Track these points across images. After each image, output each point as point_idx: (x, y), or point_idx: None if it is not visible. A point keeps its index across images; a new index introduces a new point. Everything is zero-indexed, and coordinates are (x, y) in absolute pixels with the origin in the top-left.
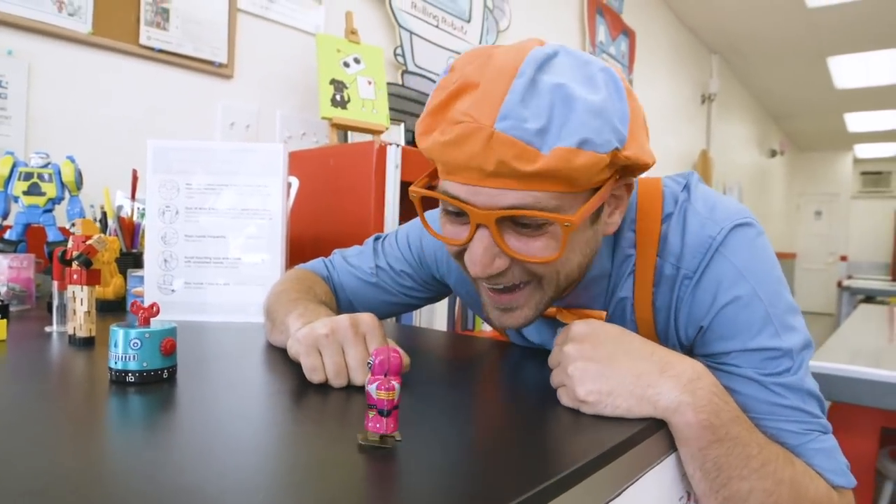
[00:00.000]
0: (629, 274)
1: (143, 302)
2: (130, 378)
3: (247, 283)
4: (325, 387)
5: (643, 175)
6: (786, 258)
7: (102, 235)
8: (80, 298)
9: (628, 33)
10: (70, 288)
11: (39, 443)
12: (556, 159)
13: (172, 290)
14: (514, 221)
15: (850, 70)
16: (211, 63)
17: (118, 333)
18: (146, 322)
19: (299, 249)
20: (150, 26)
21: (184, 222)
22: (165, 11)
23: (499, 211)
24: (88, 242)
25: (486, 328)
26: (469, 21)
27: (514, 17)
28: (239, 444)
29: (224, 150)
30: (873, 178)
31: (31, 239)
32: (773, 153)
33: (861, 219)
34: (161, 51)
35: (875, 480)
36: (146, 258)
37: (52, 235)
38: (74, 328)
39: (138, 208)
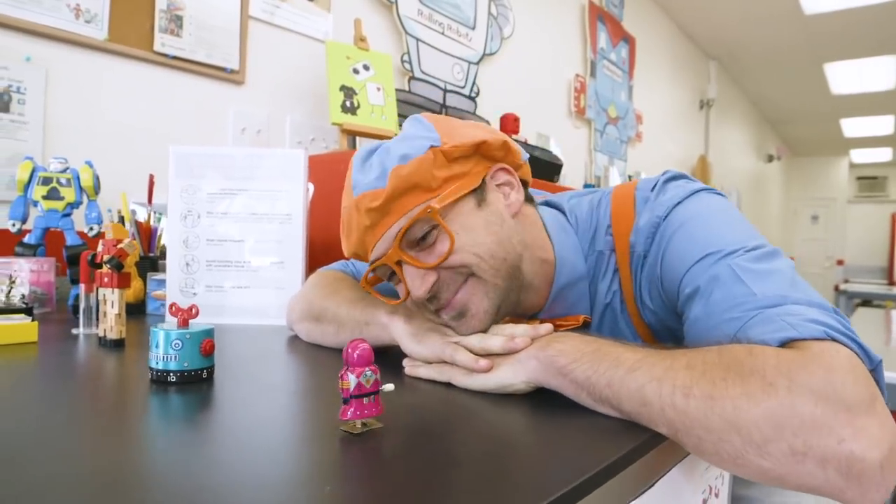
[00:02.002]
0: (613, 273)
1: (164, 305)
2: (172, 378)
3: (266, 286)
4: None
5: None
6: None
7: (132, 240)
8: (110, 301)
9: (628, 40)
10: (101, 291)
11: (96, 441)
12: (392, 180)
13: (194, 294)
14: (413, 244)
15: (846, 76)
16: (223, 69)
17: (159, 334)
18: (185, 323)
19: (311, 253)
20: (165, 33)
21: (205, 226)
22: (179, 19)
23: (394, 244)
24: (119, 246)
25: None
26: (474, 28)
27: (517, 24)
28: (286, 442)
29: (245, 156)
30: (869, 182)
31: (49, 243)
32: (770, 158)
33: (857, 223)
34: (175, 57)
35: None
36: (168, 262)
37: (70, 239)
38: (105, 330)
39: (154, 213)
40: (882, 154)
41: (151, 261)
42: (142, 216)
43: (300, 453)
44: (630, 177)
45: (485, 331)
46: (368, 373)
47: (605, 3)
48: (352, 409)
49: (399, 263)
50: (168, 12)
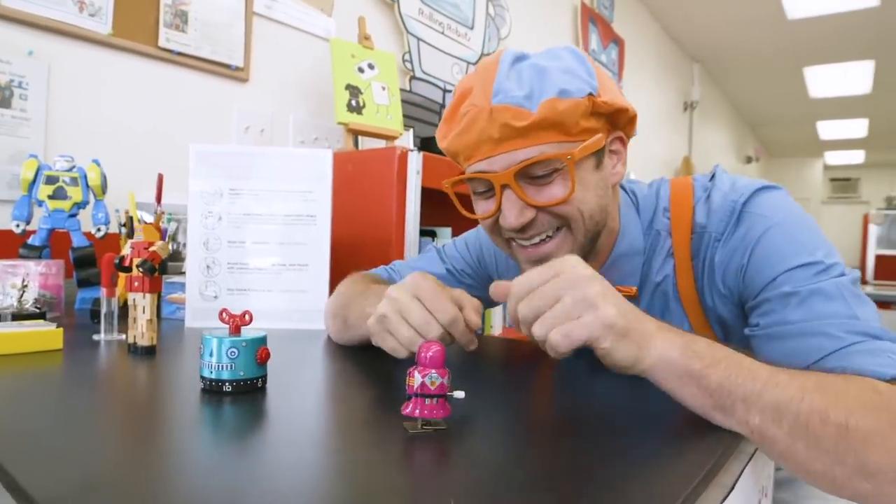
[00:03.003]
0: (667, 256)
1: (181, 309)
2: (227, 388)
3: (291, 289)
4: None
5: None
6: None
7: (164, 242)
8: (141, 306)
9: (618, 42)
10: (131, 295)
11: (166, 460)
12: (544, 110)
13: (215, 297)
14: (528, 175)
15: (825, 80)
16: (228, 66)
17: (212, 342)
18: (237, 330)
19: None
20: (169, 28)
21: (226, 228)
22: (184, 14)
23: (513, 168)
24: (152, 249)
25: (496, 331)
26: (472, 28)
27: (513, 25)
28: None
29: (269, 156)
30: (842, 184)
31: (53, 244)
32: (749, 159)
33: (831, 224)
34: (179, 53)
35: None
36: (188, 264)
37: (77, 241)
38: (135, 336)
39: (163, 213)
40: (855, 156)
41: (162, 262)
42: (149, 217)
43: (370, 457)
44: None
45: None
46: (435, 375)
47: (597, 5)
48: (412, 406)
49: (503, 186)
50: (173, 7)
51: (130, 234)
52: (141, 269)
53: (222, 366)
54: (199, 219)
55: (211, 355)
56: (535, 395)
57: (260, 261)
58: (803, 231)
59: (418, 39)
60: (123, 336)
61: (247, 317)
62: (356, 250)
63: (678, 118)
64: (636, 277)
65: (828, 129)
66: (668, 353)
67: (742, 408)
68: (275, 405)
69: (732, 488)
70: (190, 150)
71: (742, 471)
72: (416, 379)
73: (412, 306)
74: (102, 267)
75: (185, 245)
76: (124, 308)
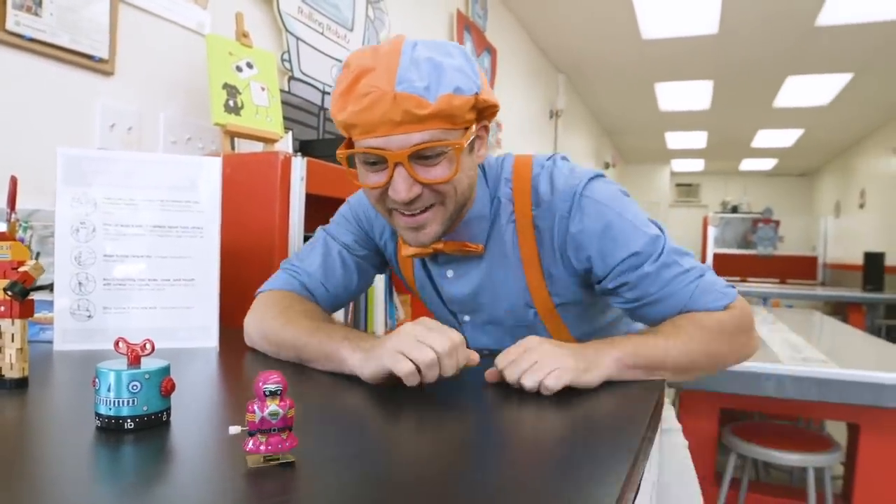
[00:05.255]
0: (509, 221)
1: (46, 330)
2: (129, 424)
3: (176, 306)
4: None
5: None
6: None
7: (37, 262)
8: (10, 334)
9: (491, 50)
10: None
11: None
12: (441, 103)
13: (89, 317)
14: (419, 156)
15: (672, 95)
16: (90, 57)
17: (110, 376)
18: (137, 361)
19: None
20: (20, 10)
21: (101, 241)
22: None
23: (409, 149)
24: (22, 269)
25: (379, 327)
26: (352, 30)
27: (392, 29)
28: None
29: (151, 162)
30: (686, 189)
31: None
32: (607, 165)
33: (676, 225)
34: (32, 39)
35: (717, 454)
36: (56, 281)
37: None
38: (2, 368)
39: (19, 222)
40: (696, 164)
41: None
42: (0, 225)
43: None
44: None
45: (425, 245)
46: (275, 407)
47: (472, 13)
48: (254, 442)
49: (397, 164)
50: None
51: None
52: (10, 293)
53: (122, 401)
54: (69, 231)
55: (109, 390)
56: (397, 424)
57: (140, 276)
58: (631, 212)
59: (297, 39)
60: None
61: (147, 346)
62: (237, 256)
63: (545, 126)
64: (483, 238)
65: (674, 140)
66: (615, 363)
67: (666, 364)
68: (185, 441)
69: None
70: (57, 155)
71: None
72: (255, 413)
73: (428, 336)
74: None
75: (38, 255)
76: None
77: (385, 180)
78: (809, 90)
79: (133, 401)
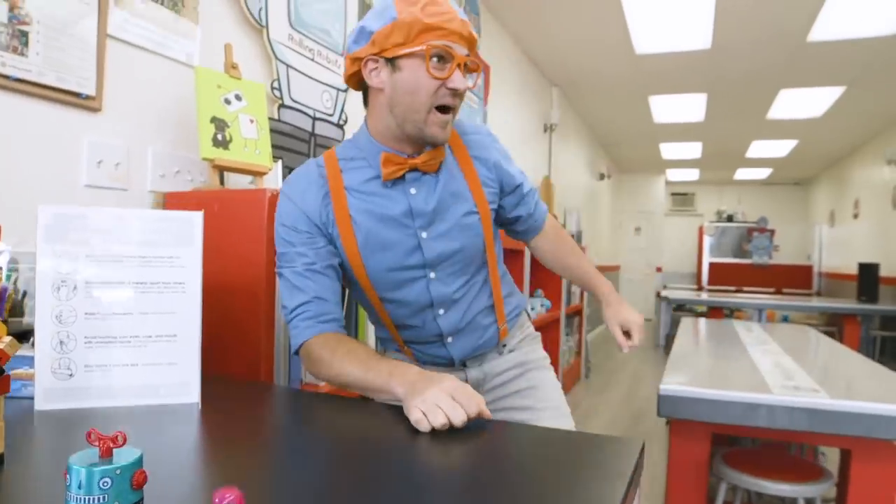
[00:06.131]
0: (447, 147)
1: (28, 386)
2: None
3: (158, 362)
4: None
5: None
6: (611, 270)
7: (11, 339)
8: None
9: (483, 68)
10: None
11: None
12: (474, 38)
13: (70, 375)
14: (466, 66)
15: (666, 108)
16: (77, 95)
17: (81, 473)
18: (108, 453)
19: None
20: (6, 51)
21: (83, 298)
22: (24, 35)
23: (465, 58)
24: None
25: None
26: (342, 55)
27: None
28: None
29: (132, 218)
30: (681, 198)
31: None
32: (602, 176)
33: (672, 234)
34: (18, 80)
35: (709, 483)
36: (37, 339)
37: None
38: None
39: (2, 270)
40: (691, 174)
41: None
42: None
43: None
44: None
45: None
46: None
47: None
48: None
49: (459, 66)
50: (10, 26)
51: None
52: None
53: (93, 499)
54: (50, 290)
55: (80, 487)
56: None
57: (123, 333)
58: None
59: (287, 66)
60: None
61: (119, 439)
62: (224, 291)
63: (539, 140)
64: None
65: (669, 150)
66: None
67: None
68: None
69: None
70: (38, 213)
71: None
72: None
73: (447, 399)
74: None
75: (24, 295)
76: None
77: (447, 74)
78: (802, 103)
79: (104, 497)
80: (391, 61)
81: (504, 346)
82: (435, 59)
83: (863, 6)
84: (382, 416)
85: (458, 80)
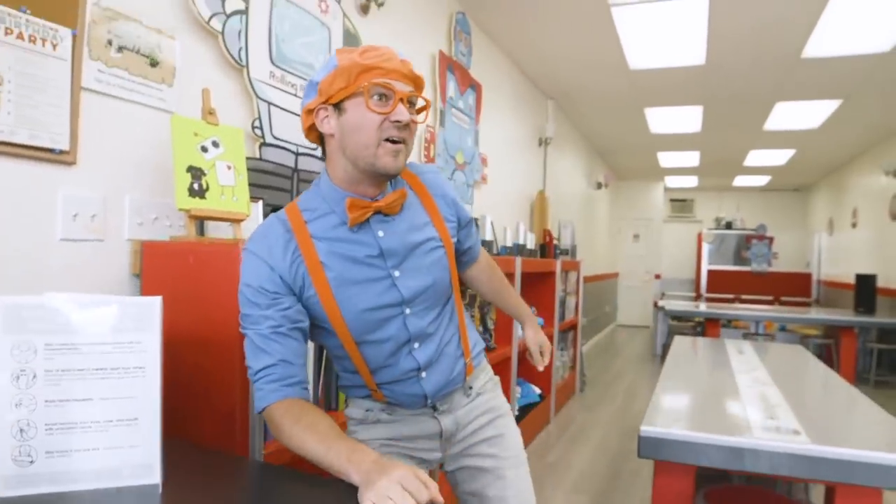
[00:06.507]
0: (406, 186)
1: None
2: None
3: (120, 446)
4: None
5: None
6: (609, 278)
7: None
8: None
9: (475, 87)
10: None
11: None
12: (420, 76)
13: (31, 462)
14: (409, 101)
15: (662, 119)
16: (50, 150)
17: None
18: None
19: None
20: None
21: (43, 387)
22: None
23: (408, 93)
24: None
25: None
26: None
27: None
28: None
29: (89, 305)
30: (680, 204)
31: None
32: (599, 185)
33: (670, 240)
34: None
35: None
36: None
37: None
38: None
39: None
40: (690, 181)
41: None
42: None
43: None
44: (476, 220)
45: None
46: None
47: (455, 53)
48: None
49: (402, 100)
50: None
51: None
52: None
53: None
54: (10, 379)
55: None
56: None
57: (83, 418)
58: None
59: (269, 104)
60: None
61: None
62: (199, 346)
63: (534, 153)
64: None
65: (666, 158)
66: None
67: None
68: None
69: None
70: None
71: None
72: None
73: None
74: None
75: None
76: None
77: (389, 109)
78: (799, 115)
79: None
80: (337, 106)
81: (470, 387)
82: (376, 97)
83: (856, 24)
84: (343, 499)
85: (401, 112)
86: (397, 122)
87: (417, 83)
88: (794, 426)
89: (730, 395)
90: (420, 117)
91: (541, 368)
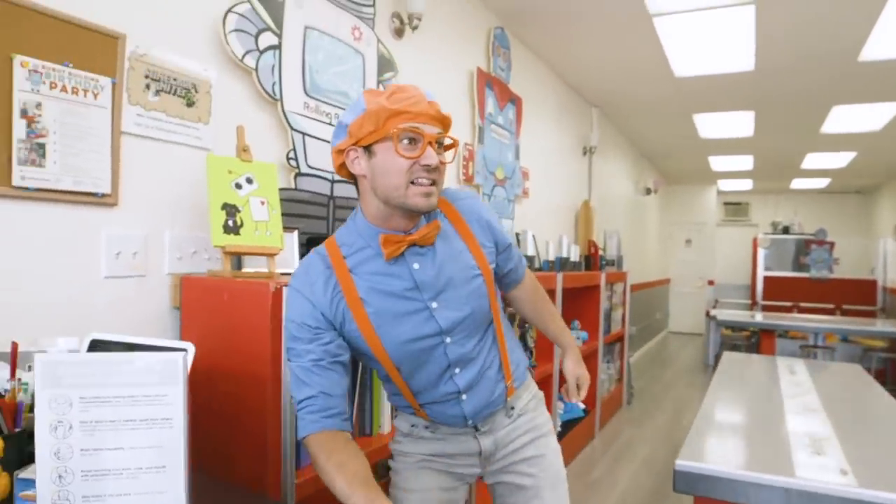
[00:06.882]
0: (441, 215)
1: None
2: None
3: (149, 491)
4: None
5: None
6: (660, 284)
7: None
8: None
9: (515, 101)
10: None
11: None
12: (448, 117)
13: None
14: (438, 143)
15: (712, 125)
16: (93, 194)
17: None
18: None
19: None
20: (25, 165)
21: (79, 436)
22: (41, 147)
23: (436, 135)
24: None
25: (385, 429)
26: None
27: None
28: None
29: (120, 362)
30: (734, 207)
31: None
32: (648, 191)
33: (724, 245)
34: (37, 189)
35: None
36: (38, 474)
37: None
38: None
39: (20, 389)
40: (744, 184)
41: (19, 441)
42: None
43: None
44: (518, 234)
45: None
46: None
47: (493, 69)
48: None
49: (430, 144)
50: (28, 141)
51: None
52: None
53: None
54: (48, 429)
55: None
56: None
57: (115, 466)
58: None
59: (304, 135)
60: None
61: None
62: (232, 376)
63: (578, 163)
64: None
65: (718, 163)
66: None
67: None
68: None
69: None
70: (35, 361)
71: None
72: None
73: None
74: None
75: None
76: None
77: (419, 153)
78: (859, 118)
79: None
80: (367, 149)
81: (512, 408)
82: (405, 141)
83: None
84: None
85: (430, 156)
86: (427, 165)
87: (445, 123)
88: (842, 465)
89: (775, 424)
90: (448, 156)
91: (573, 401)
